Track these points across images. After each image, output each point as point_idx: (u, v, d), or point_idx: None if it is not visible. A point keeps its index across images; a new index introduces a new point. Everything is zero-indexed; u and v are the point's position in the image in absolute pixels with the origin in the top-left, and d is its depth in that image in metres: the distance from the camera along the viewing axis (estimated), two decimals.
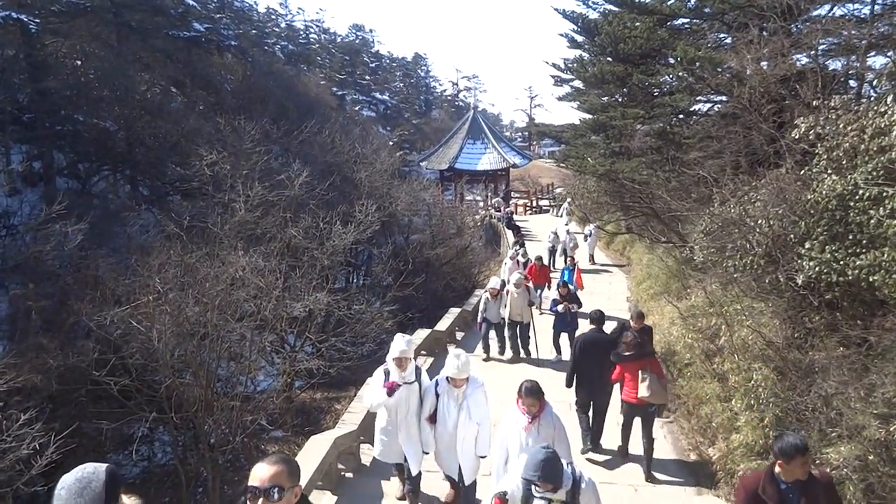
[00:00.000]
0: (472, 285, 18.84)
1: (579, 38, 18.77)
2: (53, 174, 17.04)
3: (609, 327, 7.33)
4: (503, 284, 10.30)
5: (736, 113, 10.19)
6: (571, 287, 10.58)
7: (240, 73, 26.98)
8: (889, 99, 5.97)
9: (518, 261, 13.59)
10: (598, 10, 16.39)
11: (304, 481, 5.34)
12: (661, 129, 13.36)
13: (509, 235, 22.72)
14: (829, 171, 5.99)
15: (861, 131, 5.81)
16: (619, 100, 16.88)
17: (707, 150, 11.71)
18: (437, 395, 5.05)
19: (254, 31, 42.95)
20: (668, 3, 13.20)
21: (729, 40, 12.55)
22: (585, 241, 19.00)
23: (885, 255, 5.08)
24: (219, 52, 25.40)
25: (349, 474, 6.39)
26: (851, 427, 4.86)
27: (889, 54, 9.00)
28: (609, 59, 15.40)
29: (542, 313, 12.33)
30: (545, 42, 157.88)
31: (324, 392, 12.77)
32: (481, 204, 34.03)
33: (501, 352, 10.42)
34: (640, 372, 6.19)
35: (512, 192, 36.23)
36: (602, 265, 19.03)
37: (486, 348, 10.40)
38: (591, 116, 18.40)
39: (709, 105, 13.63)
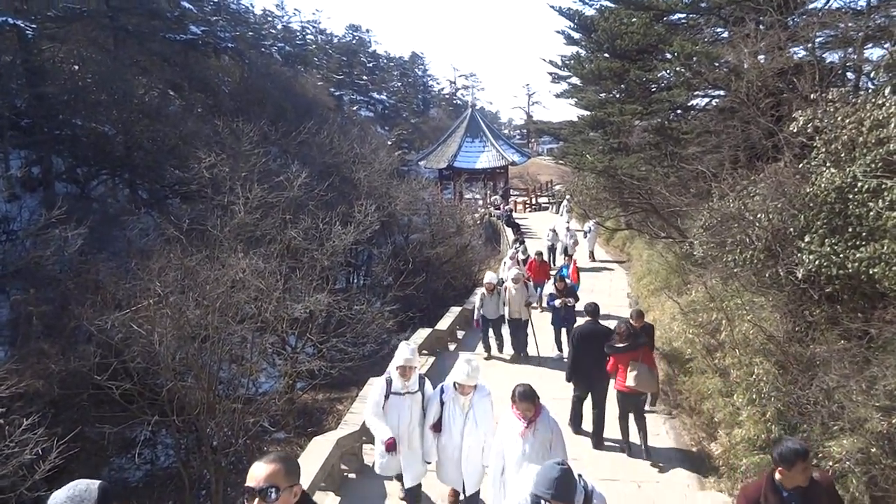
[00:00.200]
0: (473, 284, 18.83)
1: (576, 35, 18.74)
2: (52, 179, 17.03)
3: (612, 326, 7.34)
4: (501, 281, 10.29)
5: (734, 107, 10.17)
6: (568, 282, 10.59)
7: (237, 76, 26.97)
8: (887, 91, 5.97)
9: (518, 258, 13.58)
10: (594, 7, 16.37)
11: (307, 482, 5.33)
12: (660, 125, 13.34)
13: (509, 233, 22.71)
14: (828, 164, 5.98)
15: (859, 124, 5.80)
16: (617, 96, 16.83)
17: (705, 145, 11.69)
18: (442, 403, 4.87)
19: (250, 34, 42.98)
20: None
21: (726, 35, 12.51)
22: (585, 237, 19.00)
23: (885, 248, 5.06)
24: (216, 55, 25.39)
25: (352, 475, 6.39)
26: (853, 420, 4.85)
27: (886, 46, 8.96)
28: (606, 55, 15.37)
29: (542, 311, 12.32)
30: (542, 39, 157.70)
31: (326, 393, 12.78)
32: (480, 202, 34.01)
33: (500, 349, 10.40)
34: (630, 362, 6.41)
35: (511, 190, 36.20)
36: (602, 262, 19.03)
37: (487, 347, 10.36)
38: (588, 113, 18.36)
39: (706, 100, 13.59)
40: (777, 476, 3.27)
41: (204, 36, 23.85)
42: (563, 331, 9.96)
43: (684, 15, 13.67)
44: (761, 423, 5.90)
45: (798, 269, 5.78)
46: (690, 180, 11.33)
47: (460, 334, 12.04)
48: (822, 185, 5.77)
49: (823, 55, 10.05)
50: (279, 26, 56.10)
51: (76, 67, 19.01)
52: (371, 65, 62.24)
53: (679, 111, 14.07)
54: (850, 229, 5.54)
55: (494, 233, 26.69)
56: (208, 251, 10.09)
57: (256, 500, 2.09)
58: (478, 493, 5.01)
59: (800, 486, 3.21)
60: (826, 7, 10.82)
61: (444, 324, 11.54)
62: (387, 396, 4.98)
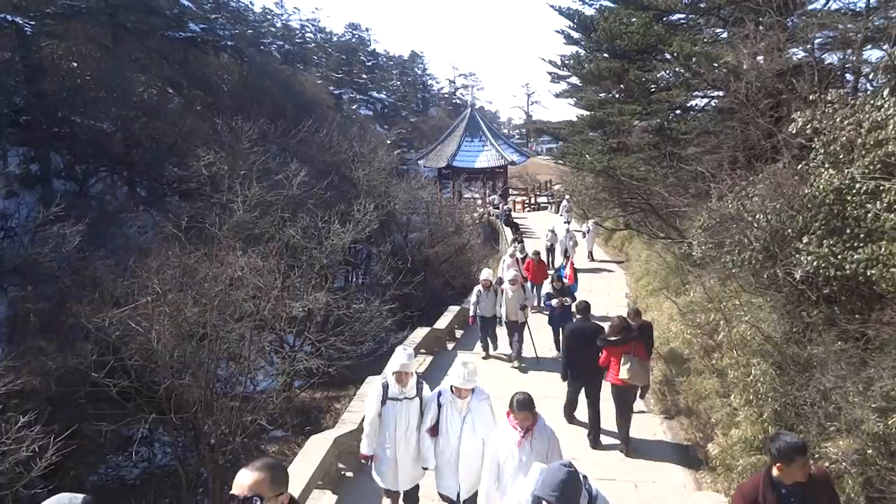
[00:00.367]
0: (472, 283, 18.82)
1: (575, 35, 18.79)
2: (51, 176, 17.02)
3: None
4: (500, 280, 10.28)
5: (733, 108, 10.17)
6: (565, 281, 10.61)
7: (236, 74, 26.94)
8: (885, 92, 5.97)
9: (517, 258, 13.55)
10: (593, 7, 16.44)
11: (304, 481, 5.34)
12: (659, 125, 13.36)
13: (508, 233, 22.72)
14: (827, 166, 5.98)
15: (858, 125, 5.79)
16: (617, 96, 16.86)
17: (704, 146, 11.70)
18: (440, 407, 4.73)
19: (250, 31, 42.90)
20: None
21: (725, 35, 12.52)
22: (584, 237, 19.00)
23: (883, 249, 5.07)
24: (215, 53, 25.36)
25: (349, 473, 6.38)
26: (850, 421, 4.85)
27: (885, 47, 8.97)
28: (605, 55, 15.40)
29: (534, 311, 12.25)
30: (542, 39, 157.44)
31: (323, 391, 12.78)
32: (479, 202, 34.03)
33: (494, 348, 10.37)
34: (623, 355, 6.52)
35: (510, 190, 36.22)
36: (601, 262, 19.03)
37: (486, 346, 10.36)
38: (588, 113, 18.40)
39: (706, 100, 13.60)
40: (775, 472, 3.16)
41: (203, 33, 23.83)
42: (561, 331, 9.96)
43: (684, 15, 13.69)
44: (758, 424, 5.91)
45: (796, 270, 5.79)
46: (689, 181, 11.34)
47: (459, 333, 12.04)
48: (821, 187, 5.77)
49: (822, 56, 10.05)
50: (278, 24, 55.94)
51: (75, 65, 18.99)
52: (370, 63, 62.17)
53: (678, 111, 14.09)
54: (848, 231, 5.54)
55: (493, 232, 26.69)
56: (207, 249, 10.09)
57: None
58: (474, 496, 4.81)
59: (798, 481, 3.11)
60: (825, 8, 10.83)
61: (442, 323, 11.53)
62: (383, 402, 4.83)
